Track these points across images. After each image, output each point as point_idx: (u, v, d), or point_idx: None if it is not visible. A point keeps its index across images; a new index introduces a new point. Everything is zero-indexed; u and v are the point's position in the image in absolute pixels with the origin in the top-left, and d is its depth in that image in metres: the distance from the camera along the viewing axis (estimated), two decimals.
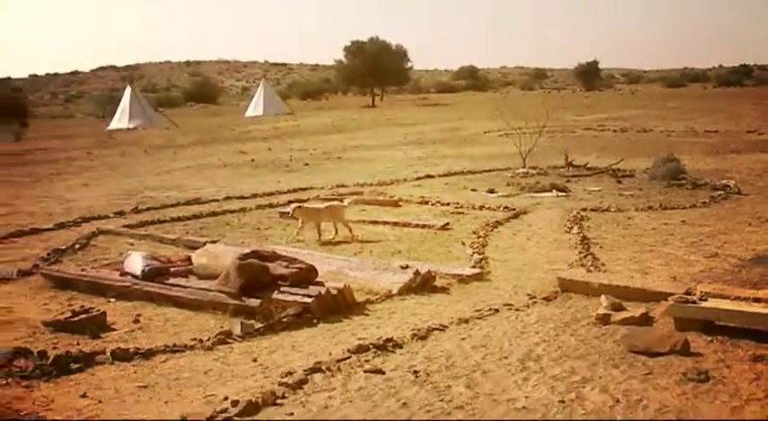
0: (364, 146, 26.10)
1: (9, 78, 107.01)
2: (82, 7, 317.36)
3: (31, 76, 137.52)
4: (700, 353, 5.86)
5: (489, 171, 17.66)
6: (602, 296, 7.12)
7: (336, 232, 10.94)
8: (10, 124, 32.10)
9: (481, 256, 9.36)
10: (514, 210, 12.45)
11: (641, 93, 67.38)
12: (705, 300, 6.45)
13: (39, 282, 8.95)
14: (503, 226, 11.33)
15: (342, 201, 11.86)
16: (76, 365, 6.07)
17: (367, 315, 7.31)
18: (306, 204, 11.22)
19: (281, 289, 7.44)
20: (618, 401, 5.05)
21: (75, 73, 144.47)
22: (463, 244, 10.22)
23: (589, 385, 5.34)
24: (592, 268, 8.62)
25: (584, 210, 12.20)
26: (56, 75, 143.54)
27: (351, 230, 10.91)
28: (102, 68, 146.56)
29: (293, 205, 11.14)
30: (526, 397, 5.17)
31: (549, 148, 20.01)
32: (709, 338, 6.15)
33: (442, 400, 5.17)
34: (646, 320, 6.62)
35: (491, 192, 14.50)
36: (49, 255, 10.16)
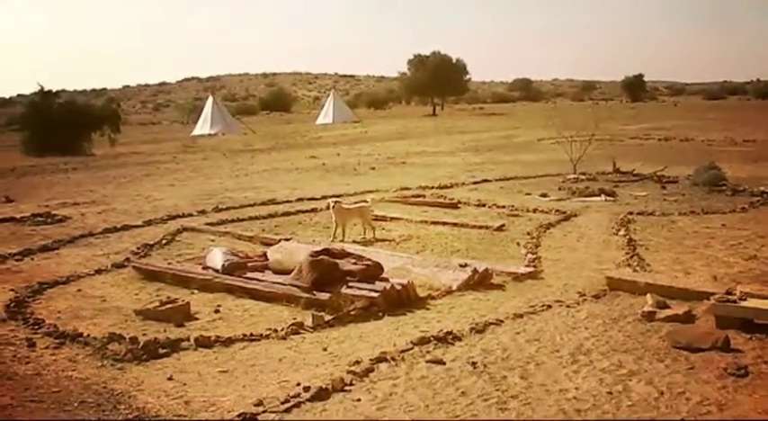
0: (426, 152, 26.02)
1: (105, 89, 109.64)
2: (169, 22, 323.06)
3: (124, 86, 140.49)
4: (739, 350, 5.77)
5: (542, 176, 17.48)
6: (648, 294, 7.02)
7: (366, 231, 10.98)
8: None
9: (534, 256, 9.29)
10: (565, 212, 12.33)
11: (683, 104, 65.91)
12: (744, 299, 6.35)
13: (130, 273, 9.12)
14: (554, 228, 11.23)
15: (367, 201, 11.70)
16: (164, 350, 6.20)
17: (428, 309, 7.31)
18: (341, 203, 11.14)
19: (350, 284, 7.48)
20: (662, 393, 5.00)
21: (163, 84, 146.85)
22: (518, 244, 10.16)
23: (635, 378, 5.28)
24: (638, 268, 8.52)
25: (631, 213, 12.03)
26: (146, 85, 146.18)
27: (374, 231, 10.96)
28: (186, 79, 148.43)
29: (331, 201, 11.13)
30: (576, 388, 5.14)
31: (597, 156, 19.74)
32: (748, 336, 6.05)
33: (498, 390, 5.15)
34: (688, 318, 6.53)
35: (544, 195, 14.37)
36: (138, 249, 10.36)
